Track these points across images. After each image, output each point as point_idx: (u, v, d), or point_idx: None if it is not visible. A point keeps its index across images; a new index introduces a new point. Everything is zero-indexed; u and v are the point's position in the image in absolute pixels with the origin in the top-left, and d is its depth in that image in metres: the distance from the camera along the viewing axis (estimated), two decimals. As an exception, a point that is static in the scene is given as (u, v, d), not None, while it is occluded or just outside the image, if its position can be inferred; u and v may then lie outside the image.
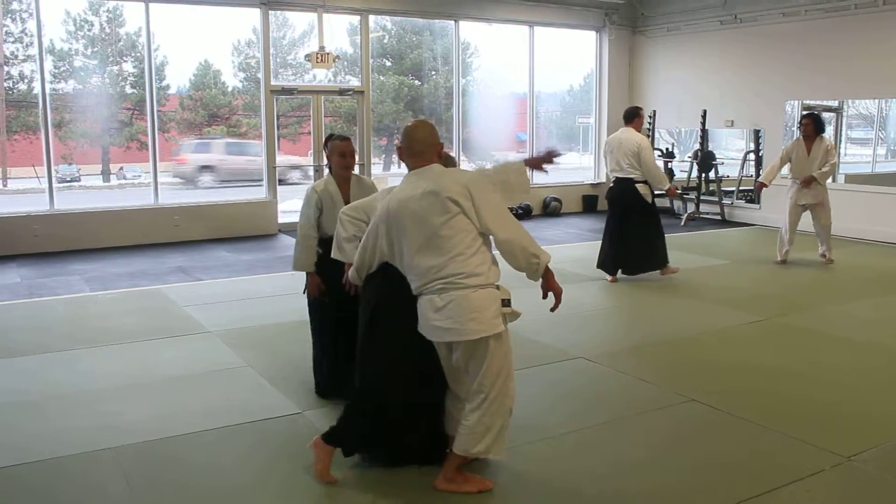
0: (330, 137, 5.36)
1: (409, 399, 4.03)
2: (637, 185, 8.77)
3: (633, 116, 8.97)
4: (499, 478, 4.11)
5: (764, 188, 10.10)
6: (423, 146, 3.89)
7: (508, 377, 3.86)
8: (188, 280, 9.21)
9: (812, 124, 9.47)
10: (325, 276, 5.07)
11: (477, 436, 3.78)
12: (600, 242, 9.25)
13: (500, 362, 3.80)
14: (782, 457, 4.37)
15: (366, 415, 4.06)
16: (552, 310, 3.99)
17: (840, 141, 15.12)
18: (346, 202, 4.99)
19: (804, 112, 9.66)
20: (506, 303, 3.88)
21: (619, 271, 9.01)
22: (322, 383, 5.31)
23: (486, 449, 3.80)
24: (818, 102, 14.12)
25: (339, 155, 5.21)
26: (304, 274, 5.22)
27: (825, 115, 14.99)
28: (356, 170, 5.42)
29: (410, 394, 4.03)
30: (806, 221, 9.78)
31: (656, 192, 9.04)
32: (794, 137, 9.96)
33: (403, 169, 3.99)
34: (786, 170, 9.86)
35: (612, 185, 9.07)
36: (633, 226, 8.83)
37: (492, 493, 3.94)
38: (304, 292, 5.31)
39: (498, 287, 3.91)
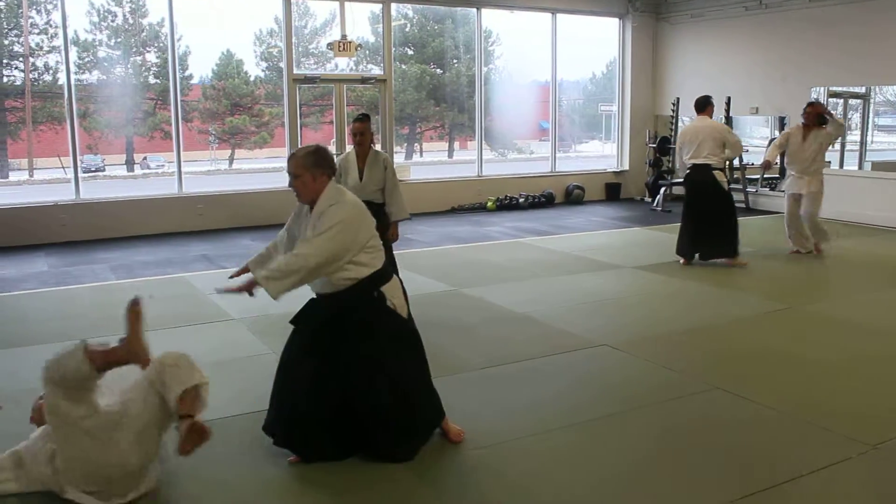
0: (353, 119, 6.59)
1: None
2: (715, 172, 8.87)
3: (705, 105, 9.10)
4: (522, 465, 4.12)
5: (769, 166, 10.07)
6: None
7: None
8: (213, 268, 9.27)
9: (814, 114, 9.35)
10: None
11: None
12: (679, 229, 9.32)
13: None
14: (807, 445, 4.35)
15: None
16: None
17: (867, 128, 14.97)
18: (360, 172, 6.46)
19: (811, 100, 9.54)
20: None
21: (696, 256, 9.08)
22: None
23: None
24: (844, 89, 13.98)
25: (352, 134, 6.46)
26: None
27: (852, 101, 14.88)
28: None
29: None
30: (825, 210, 9.66)
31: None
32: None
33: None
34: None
35: (688, 171, 9.12)
36: (709, 211, 8.91)
37: (517, 481, 3.95)
38: None
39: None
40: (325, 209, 3.97)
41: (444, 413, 4.37)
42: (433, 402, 4.33)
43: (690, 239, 9.07)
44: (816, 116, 9.35)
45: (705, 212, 8.92)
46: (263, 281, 3.87)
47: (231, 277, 4.24)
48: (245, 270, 4.38)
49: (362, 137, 6.39)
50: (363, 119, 6.50)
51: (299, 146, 12.82)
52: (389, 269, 4.32)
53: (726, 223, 8.99)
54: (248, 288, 3.92)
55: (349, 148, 6.42)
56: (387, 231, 6.37)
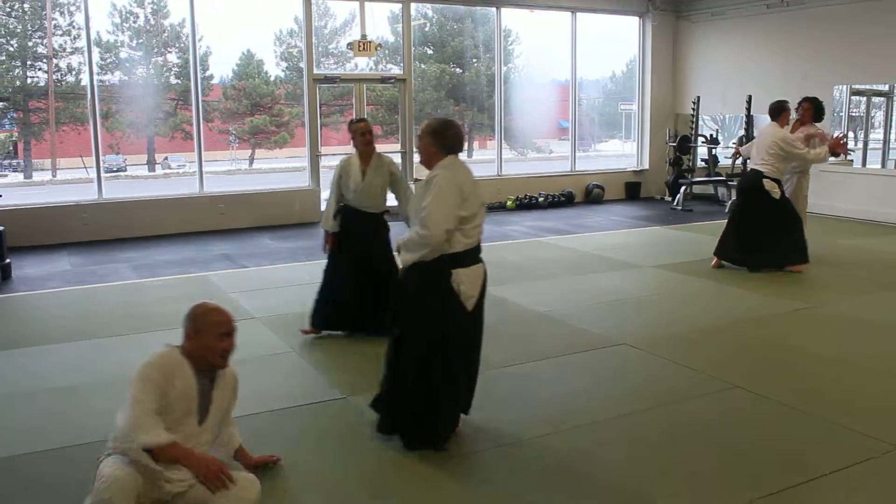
0: (351, 122, 6.31)
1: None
2: (764, 180, 8.49)
3: (779, 111, 8.65)
4: (540, 462, 4.12)
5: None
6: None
7: None
8: (233, 267, 9.33)
9: (811, 110, 9.02)
10: (342, 236, 6.27)
11: None
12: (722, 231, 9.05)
13: None
14: (831, 444, 4.33)
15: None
16: None
17: (890, 126, 14.84)
18: (363, 174, 6.12)
19: (809, 97, 9.15)
20: None
21: (745, 265, 8.76)
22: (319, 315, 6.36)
23: None
24: (868, 87, 13.86)
25: (361, 134, 6.13)
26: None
27: (875, 99, 14.76)
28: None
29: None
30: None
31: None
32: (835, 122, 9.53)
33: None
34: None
35: (740, 177, 8.94)
36: (756, 219, 8.59)
37: (539, 477, 3.95)
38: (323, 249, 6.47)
39: None
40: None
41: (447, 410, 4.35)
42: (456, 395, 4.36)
43: (738, 245, 8.77)
44: (813, 112, 9.01)
45: (752, 219, 8.64)
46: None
47: None
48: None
49: (370, 136, 6.21)
50: (364, 120, 6.41)
51: (319, 146, 12.92)
52: (473, 256, 4.37)
53: (773, 232, 8.57)
54: None
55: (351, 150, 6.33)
56: (385, 242, 6.27)
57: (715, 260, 8.96)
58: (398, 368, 4.28)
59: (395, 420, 4.35)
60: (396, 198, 6.32)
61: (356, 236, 6.21)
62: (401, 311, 4.33)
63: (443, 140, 4.23)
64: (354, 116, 12.99)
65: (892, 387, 5.27)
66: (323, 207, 12.89)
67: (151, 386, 3.28)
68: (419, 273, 4.15)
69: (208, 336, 3.43)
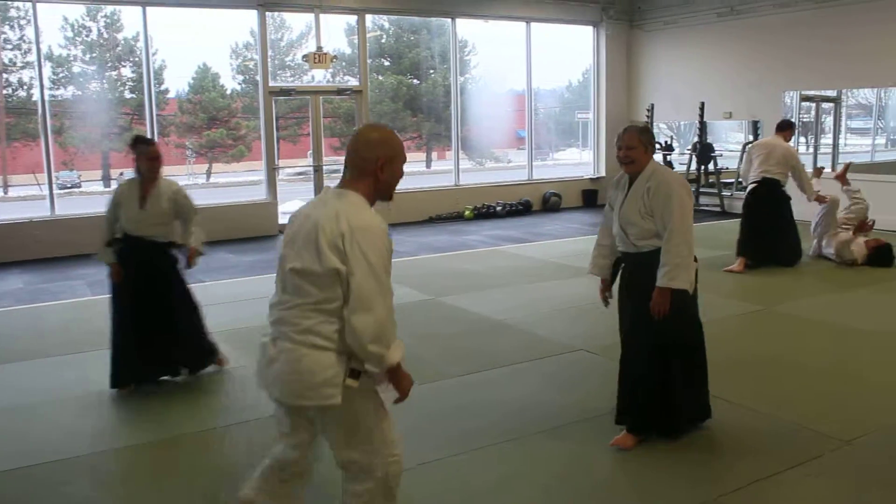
0: (136, 142, 5.55)
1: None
2: (783, 189, 9.20)
3: (786, 127, 9.35)
4: (500, 469, 4.14)
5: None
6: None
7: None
8: (190, 281, 9.21)
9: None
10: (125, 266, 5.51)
11: None
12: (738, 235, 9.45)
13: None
14: (782, 442, 4.41)
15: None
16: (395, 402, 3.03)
17: (839, 131, 15.15)
18: (144, 201, 5.41)
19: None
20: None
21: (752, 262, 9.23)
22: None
23: None
24: (816, 92, 14.14)
25: (149, 159, 5.44)
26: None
27: (824, 105, 15.05)
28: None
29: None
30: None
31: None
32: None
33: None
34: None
35: (756, 184, 9.25)
36: (775, 223, 9.20)
37: (497, 484, 3.97)
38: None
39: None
40: (655, 185, 4.23)
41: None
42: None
43: (755, 247, 9.24)
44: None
45: (769, 224, 9.19)
46: (675, 283, 4.17)
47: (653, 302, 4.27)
48: (606, 283, 4.74)
49: (159, 163, 5.48)
50: (154, 143, 5.68)
51: (276, 159, 12.86)
52: None
53: (790, 234, 9.31)
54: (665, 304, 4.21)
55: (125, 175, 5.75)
56: (168, 274, 5.63)
57: (740, 261, 9.18)
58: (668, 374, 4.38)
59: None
60: (182, 226, 5.67)
61: (137, 269, 5.49)
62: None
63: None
64: (315, 126, 12.98)
65: (842, 383, 5.40)
66: (280, 220, 12.94)
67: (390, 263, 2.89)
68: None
69: (401, 161, 3.02)
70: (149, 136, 12.01)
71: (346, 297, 2.80)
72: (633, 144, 4.26)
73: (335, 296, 2.81)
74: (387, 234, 2.88)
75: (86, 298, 8.52)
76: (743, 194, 14.02)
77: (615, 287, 4.64)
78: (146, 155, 5.42)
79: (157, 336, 5.50)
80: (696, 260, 4.34)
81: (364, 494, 3.02)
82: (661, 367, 4.34)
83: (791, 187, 9.24)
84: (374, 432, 2.97)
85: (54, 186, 11.51)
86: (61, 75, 15.23)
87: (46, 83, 11.65)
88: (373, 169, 2.92)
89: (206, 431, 4.81)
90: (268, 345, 3.04)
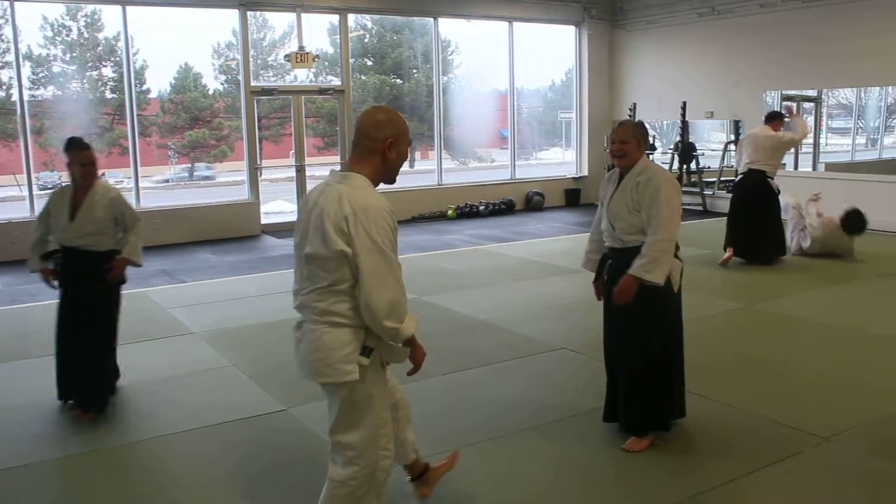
0: (70, 144, 5.10)
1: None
2: (769, 180, 9.15)
3: (774, 118, 9.36)
4: (483, 467, 4.14)
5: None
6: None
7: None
8: (172, 282, 9.20)
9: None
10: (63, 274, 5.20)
11: None
12: (725, 227, 9.56)
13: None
14: (762, 439, 4.43)
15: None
16: (409, 374, 3.25)
17: (820, 130, 15.24)
18: (75, 209, 5.01)
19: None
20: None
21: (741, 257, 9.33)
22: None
23: None
24: (797, 92, 14.22)
25: (82, 164, 5.02)
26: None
27: (805, 105, 15.14)
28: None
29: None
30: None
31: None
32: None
33: None
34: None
35: (743, 175, 9.35)
36: (759, 214, 9.18)
37: (482, 479, 3.96)
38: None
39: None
40: (645, 181, 4.21)
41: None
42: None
43: (744, 238, 9.29)
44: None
45: (755, 217, 9.18)
46: (648, 276, 4.12)
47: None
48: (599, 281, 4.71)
49: (94, 168, 5.06)
50: (89, 147, 5.11)
51: (258, 159, 12.81)
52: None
53: (776, 227, 9.29)
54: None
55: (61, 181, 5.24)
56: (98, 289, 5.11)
57: (729, 252, 9.28)
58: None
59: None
60: (124, 234, 5.21)
61: (72, 281, 5.17)
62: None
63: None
64: (297, 125, 12.94)
65: (822, 381, 5.43)
66: (263, 221, 12.91)
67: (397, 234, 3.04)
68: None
69: (406, 142, 3.15)
70: (130, 136, 11.95)
71: (356, 278, 2.91)
72: (627, 139, 4.29)
73: (344, 277, 2.93)
74: (389, 212, 2.97)
75: (66, 299, 8.45)
76: (725, 193, 14.22)
77: None
78: (79, 160, 5.00)
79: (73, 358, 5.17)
80: (681, 259, 4.34)
81: (349, 481, 3.07)
82: (644, 364, 4.33)
83: (787, 184, 9.42)
84: (371, 421, 3.07)
85: (34, 187, 11.41)
86: (41, 75, 15.09)
87: (26, 83, 11.56)
88: (381, 148, 3.03)
89: (168, 436, 4.78)
90: (294, 330, 3.20)
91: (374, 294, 2.87)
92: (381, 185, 3.10)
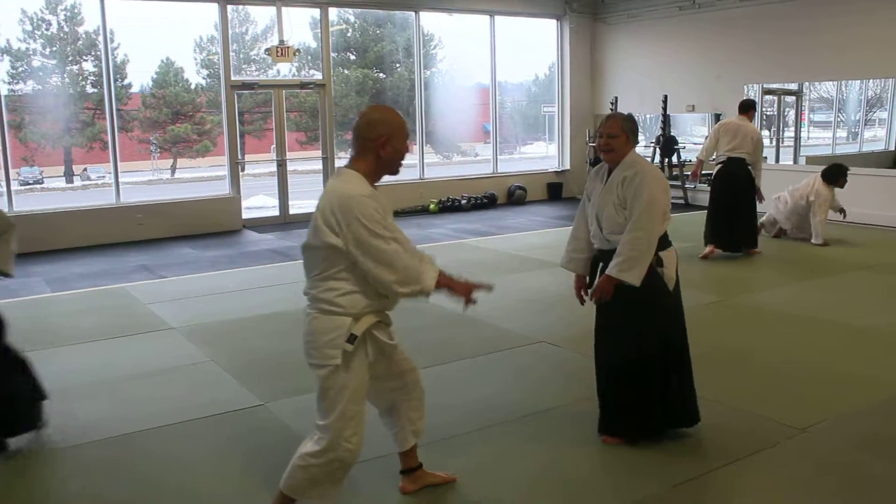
0: None
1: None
2: (749, 167, 9.27)
3: (749, 107, 9.45)
4: (462, 461, 4.14)
5: None
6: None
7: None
8: (152, 278, 9.15)
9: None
10: None
11: None
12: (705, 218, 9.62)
13: None
14: (737, 432, 4.45)
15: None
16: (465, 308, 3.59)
17: (801, 124, 15.33)
18: None
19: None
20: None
21: (721, 248, 9.40)
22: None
23: None
24: (779, 86, 14.29)
25: None
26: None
27: (787, 98, 15.23)
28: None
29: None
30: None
31: None
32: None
33: None
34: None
35: (721, 164, 9.39)
36: (739, 203, 9.29)
37: (463, 477, 3.96)
38: None
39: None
40: (631, 175, 4.09)
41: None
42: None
43: (718, 230, 9.37)
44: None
45: (736, 206, 9.27)
46: (624, 276, 4.04)
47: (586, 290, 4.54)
48: (582, 279, 4.64)
49: None
50: None
51: (239, 153, 12.76)
52: (667, 238, 4.30)
53: (753, 216, 9.48)
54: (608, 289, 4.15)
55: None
56: None
57: (710, 248, 9.32)
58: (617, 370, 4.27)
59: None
60: None
61: None
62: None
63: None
64: (278, 120, 12.88)
65: (798, 373, 5.46)
66: (244, 216, 12.86)
67: (386, 215, 3.22)
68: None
69: (402, 138, 3.33)
70: (109, 131, 11.87)
71: (354, 263, 3.13)
72: (615, 132, 4.12)
73: (332, 266, 3.16)
74: (370, 197, 3.14)
75: (44, 295, 8.41)
76: (706, 187, 14.25)
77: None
78: None
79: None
80: (676, 253, 4.33)
81: (307, 457, 3.28)
82: (638, 367, 4.20)
83: (769, 178, 9.55)
84: (340, 412, 3.24)
85: (12, 183, 11.31)
86: (20, 69, 14.99)
87: (5, 77, 11.45)
88: (374, 147, 3.24)
89: (162, 428, 4.76)
90: (304, 314, 3.35)
91: (381, 276, 3.13)
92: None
